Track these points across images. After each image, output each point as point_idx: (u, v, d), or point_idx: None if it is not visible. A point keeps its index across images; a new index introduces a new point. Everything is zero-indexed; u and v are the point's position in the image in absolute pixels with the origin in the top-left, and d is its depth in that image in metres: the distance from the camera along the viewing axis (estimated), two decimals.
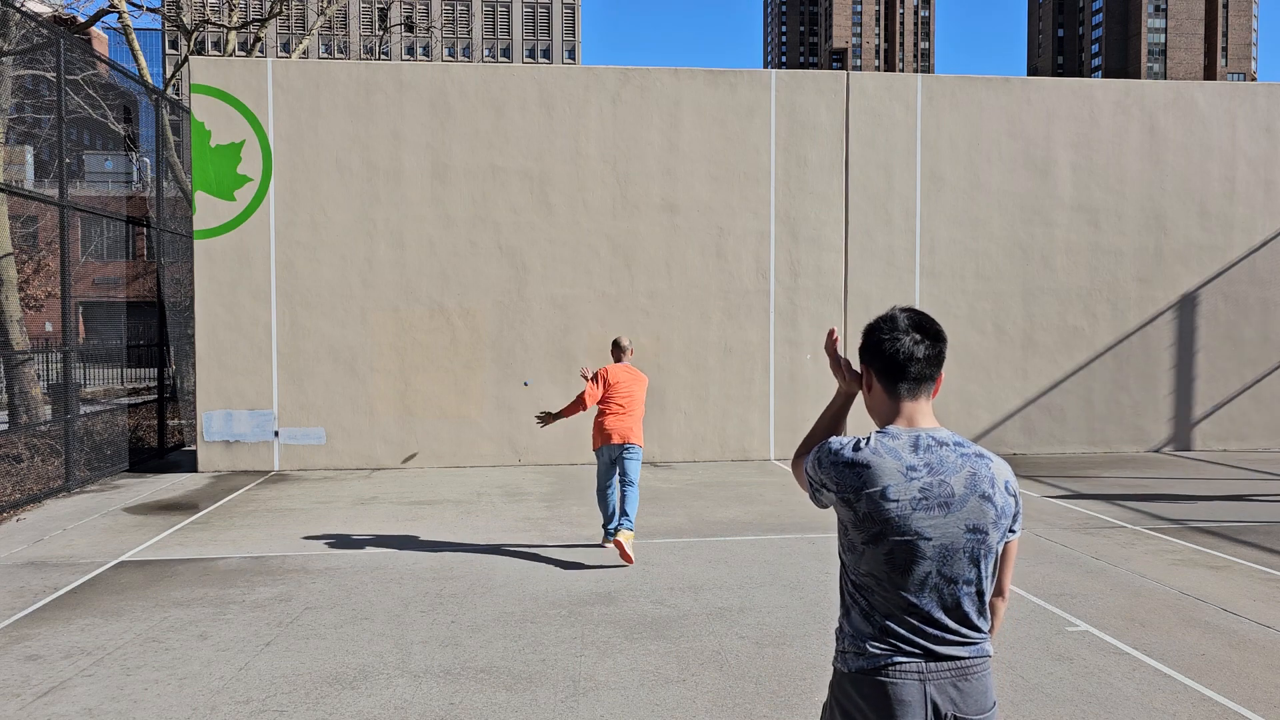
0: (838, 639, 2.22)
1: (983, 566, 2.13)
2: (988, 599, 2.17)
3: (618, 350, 7.74)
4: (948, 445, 2.16)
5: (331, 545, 7.86)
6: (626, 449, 7.39)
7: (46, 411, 12.74)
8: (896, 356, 2.20)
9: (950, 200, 12.92)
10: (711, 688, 4.76)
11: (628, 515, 7.30)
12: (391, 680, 4.87)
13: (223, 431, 11.72)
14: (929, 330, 2.25)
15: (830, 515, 8.92)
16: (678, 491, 10.32)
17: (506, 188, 12.18)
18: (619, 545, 7.03)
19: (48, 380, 15.62)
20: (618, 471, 7.45)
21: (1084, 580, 6.71)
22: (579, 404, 7.43)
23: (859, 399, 2.30)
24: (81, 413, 11.64)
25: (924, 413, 2.22)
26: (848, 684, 2.15)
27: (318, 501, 9.81)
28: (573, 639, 5.48)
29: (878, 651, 2.11)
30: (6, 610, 6.08)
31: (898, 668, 2.09)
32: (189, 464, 12.16)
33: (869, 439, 2.18)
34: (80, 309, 31.26)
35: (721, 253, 12.52)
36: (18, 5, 12.83)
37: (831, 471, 2.16)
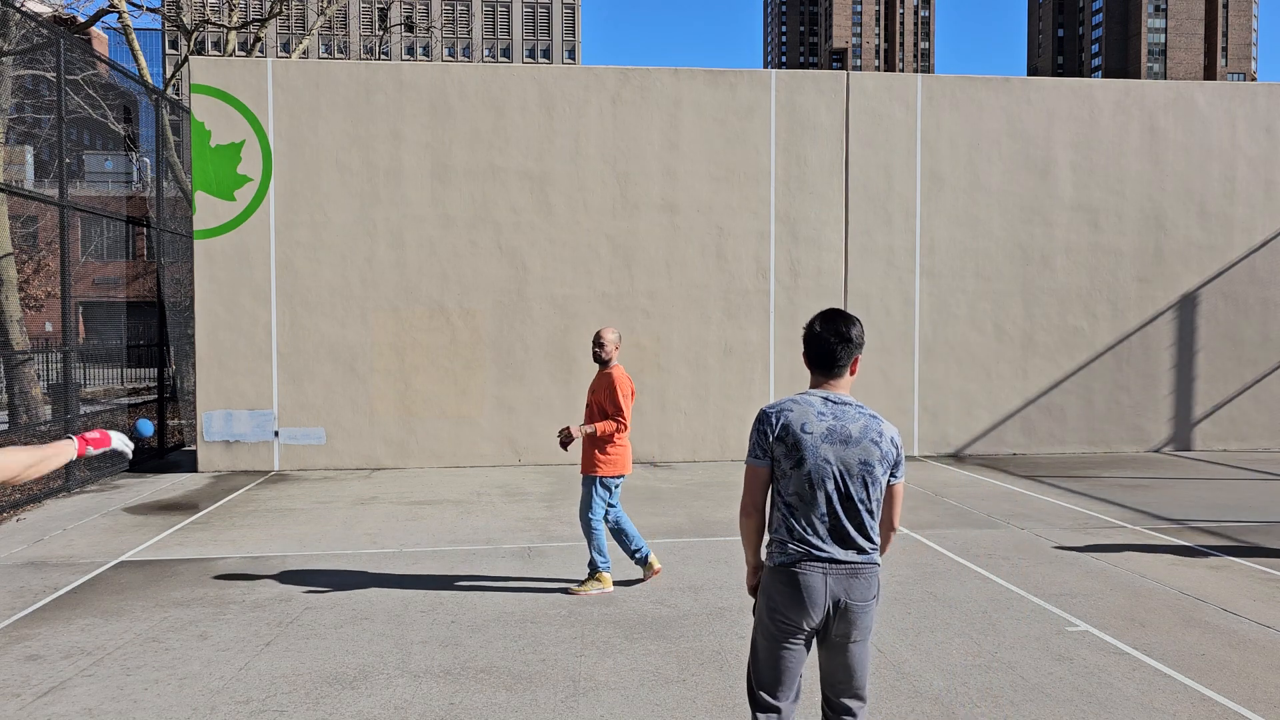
0: (768, 545, 3.08)
1: (871, 491, 2.99)
2: (876, 518, 3.02)
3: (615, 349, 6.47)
4: (850, 405, 3.05)
5: (331, 545, 7.86)
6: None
7: (46, 411, 12.74)
8: (821, 350, 3.08)
9: (950, 200, 12.92)
10: (711, 688, 4.76)
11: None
12: (391, 680, 4.87)
13: (223, 431, 11.72)
14: (841, 333, 3.05)
15: None
16: (678, 491, 10.32)
17: (506, 188, 12.18)
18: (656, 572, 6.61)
19: (48, 380, 15.62)
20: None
21: (1084, 580, 6.71)
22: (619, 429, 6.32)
23: (858, 385, 2.89)
24: (81, 413, 11.63)
25: (840, 386, 3.10)
26: (772, 575, 3.02)
27: (318, 501, 9.81)
28: (573, 639, 5.48)
29: (795, 552, 2.97)
30: (6, 610, 6.08)
31: (808, 563, 2.95)
32: (189, 464, 12.16)
33: (791, 397, 3.08)
34: (80, 309, 31.25)
35: (721, 253, 12.52)
36: (18, 5, 12.83)
37: (770, 420, 3.02)
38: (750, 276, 12.58)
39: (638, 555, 6.53)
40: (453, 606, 6.11)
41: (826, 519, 2.95)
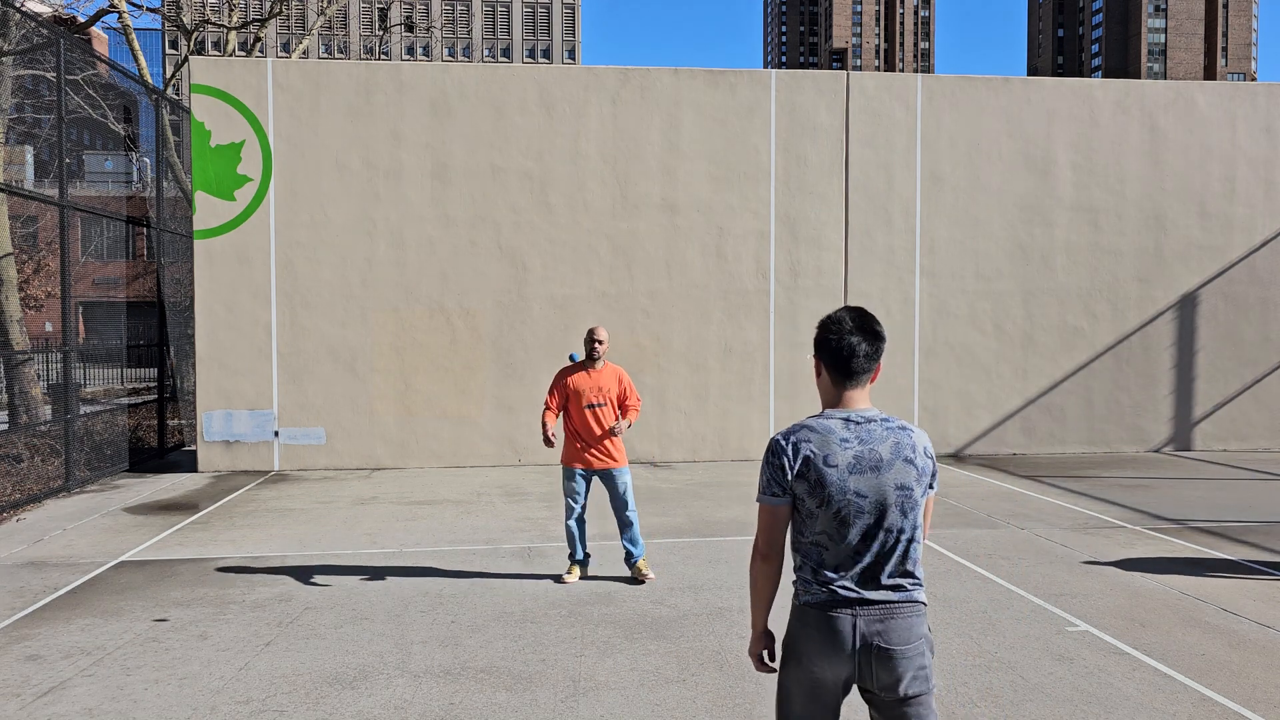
0: (795, 581, 2.67)
1: (910, 516, 2.58)
2: (919, 548, 2.62)
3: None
4: (874, 421, 2.62)
5: (331, 545, 7.86)
6: None
7: (46, 411, 12.74)
8: (842, 353, 2.63)
9: (950, 200, 12.92)
10: (711, 688, 4.76)
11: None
12: (391, 680, 4.87)
13: (223, 431, 11.72)
14: (870, 331, 2.65)
15: None
16: (678, 491, 10.32)
17: (506, 188, 12.18)
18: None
19: (48, 380, 15.62)
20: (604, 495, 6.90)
21: (1084, 580, 6.71)
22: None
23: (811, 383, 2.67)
24: (81, 413, 11.64)
25: (861, 398, 2.66)
26: (799, 615, 2.63)
27: (318, 501, 9.81)
28: (573, 639, 5.48)
29: (821, 592, 2.58)
30: (6, 610, 6.08)
31: (835, 607, 2.56)
32: (189, 464, 12.16)
33: (805, 422, 2.64)
34: (80, 309, 31.25)
35: (721, 253, 12.52)
36: (18, 5, 12.83)
37: (787, 453, 2.59)
38: (750, 276, 12.58)
39: (583, 555, 6.79)
40: (453, 606, 6.11)
41: (860, 557, 2.56)
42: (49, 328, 30.93)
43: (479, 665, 5.07)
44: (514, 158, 12.19)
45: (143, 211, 20.68)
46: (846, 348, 2.62)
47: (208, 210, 11.74)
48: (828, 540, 2.57)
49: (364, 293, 11.98)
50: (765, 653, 2.76)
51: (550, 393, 6.61)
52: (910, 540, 2.59)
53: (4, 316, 12.22)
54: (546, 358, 12.22)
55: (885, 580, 2.57)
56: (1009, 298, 13.05)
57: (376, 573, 6.96)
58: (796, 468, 2.57)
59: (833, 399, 2.67)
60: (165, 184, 15.34)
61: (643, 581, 6.64)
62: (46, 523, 8.77)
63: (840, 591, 2.56)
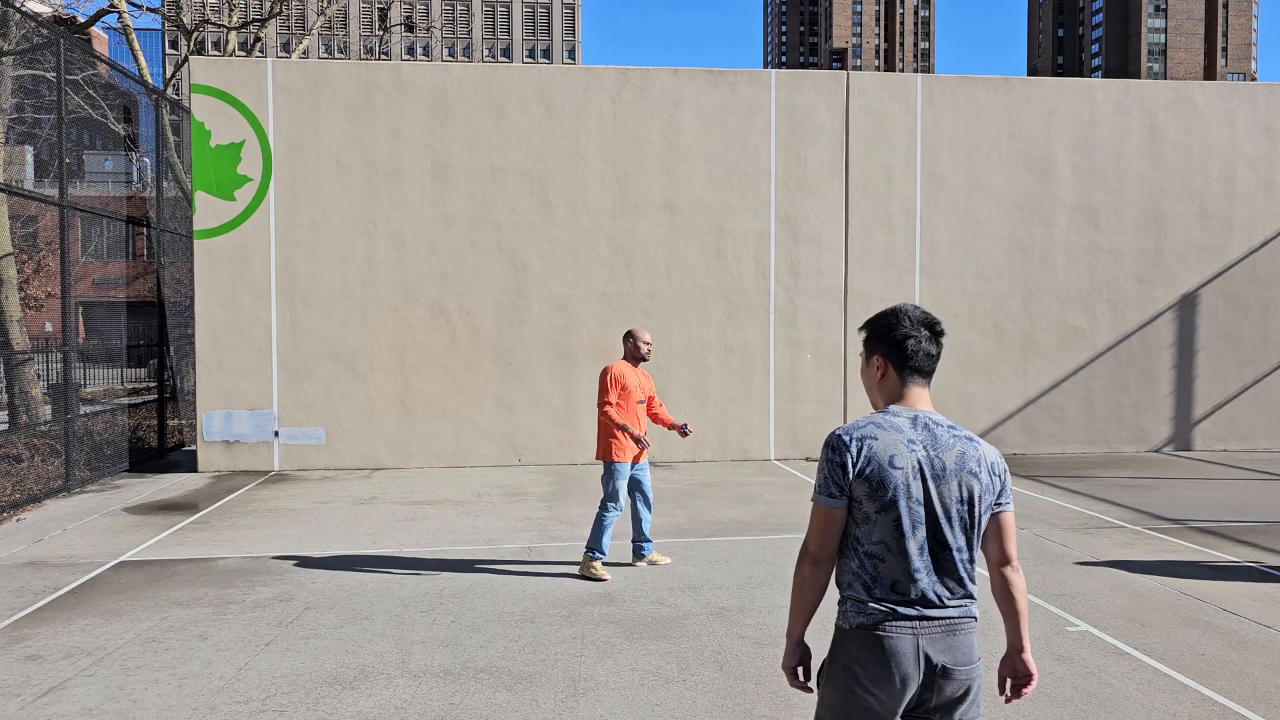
0: (840, 603, 2.47)
1: (971, 535, 2.42)
2: (974, 566, 2.43)
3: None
4: (942, 426, 2.46)
5: (331, 545, 7.86)
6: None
7: (46, 411, 12.74)
8: (916, 351, 2.50)
9: (950, 200, 12.92)
10: (711, 688, 4.76)
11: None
12: (391, 680, 4.87)
13: (223, 431, 11.72)
14: (937, 329, 2.55)
15: None
16: (678, 491, 10.32)
17: (506, 188, 12.19)
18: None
19: (48, 380, 15.63)
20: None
21: (1084, 580, 6.71)
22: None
23: (858, 385, 2.58)
24: (81, 413, 11.64)
25: (925, 398, 2.53)
26: (849, 639, 2.40)
27: (318, 501, 9.81)
28: (573, 639, 5.48)
29: (877, 610, 2.37)
30: (6, 610, 6.08)
31: (894, 624, 2.36)
32: (189, 464, 12.16)
33: (872, 418, 2.47)
34: (80, 309, 31.25)
35: (721, 253, 12.52)
36: (18, 5, 12.84)
37: (850, 446, 2.40)
38: (750, 276, 12.58)
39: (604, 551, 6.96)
40: (453, 606, 6.11)
41: (917, 572, 2.36)
42: (49, 328, 30.93)
43: (479, 665, 5.07)
44: (514, 158, 12.19)
45: (143, 211, 20.68)
46: (912, 339, 2.50)
47: (208, 210, 11.74)
48: (885, 551, 2.37)
49: (364, 293, 11.98)
50: (800, 669, 2.54)
51: (615, 391, 6.83)
52: (969, 560, 2.41)
53: (4, 316, 12.22)
54: (546, 358, 12.23)
55: (946, 595, 2.39)
56: (1009, 298, 13.05)
57: (376, 573, 6.96)
58: (859, 466, 2.38)
59: (895, 395, 2.52)
60: (165, 184, 15.34)
61: (656, 564, 7.14)
62: (46, 523, 8.77)
63: (900, 608, 2.36)
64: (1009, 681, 2.57)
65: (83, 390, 17.74)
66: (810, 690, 2.56)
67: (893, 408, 2.50)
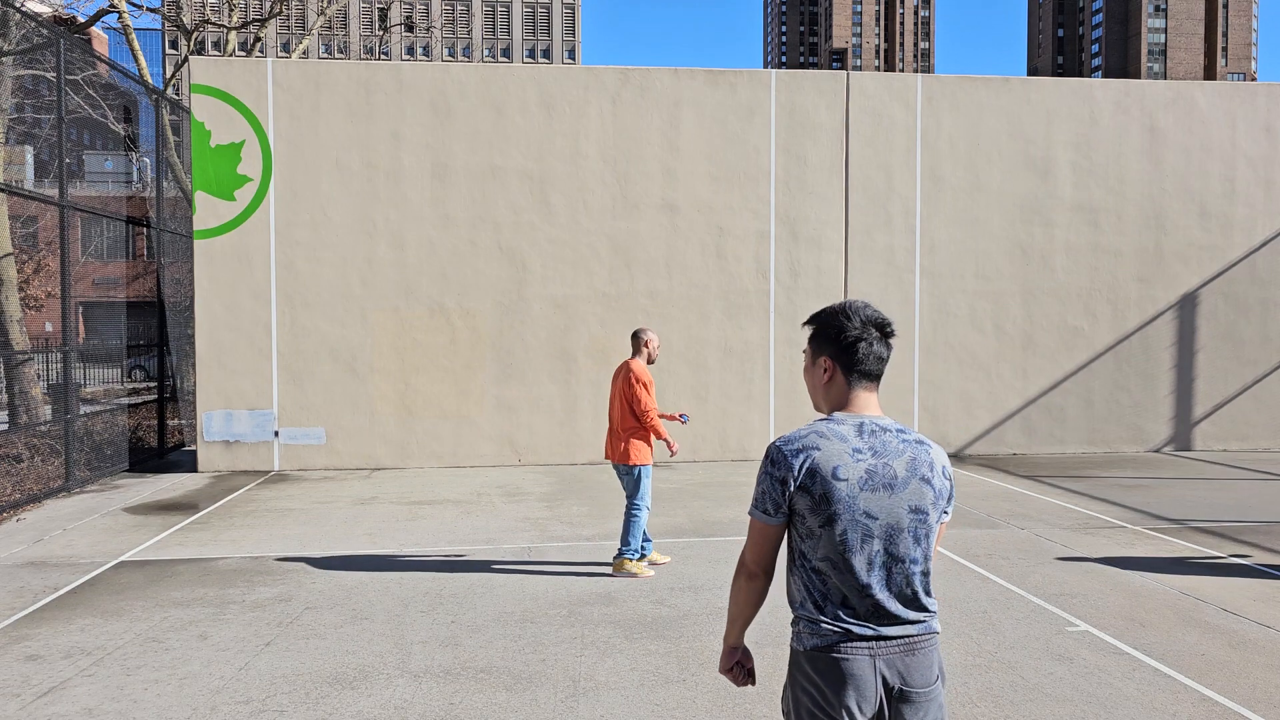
0: (794, 623, 2.33)
1: (925, 545, 2.28)
2: (931, 577, 2.31)
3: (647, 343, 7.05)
4: (890, 431, 2.30)
5: (332, 545, 7.86)
6: (613, 467, 6.99)
7: (46, 411, 12.74)
8: (867, 355, 2.34)
9: (950, 200, 12.92)
10: (711, 688, 4.76)
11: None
12: (391, 680, 4.87)
13: (223, 431, 11.72)
14: (887, 329, 2.37)
15: None
16: (678, 491, 10.32)
17: (506, 188, 12.18)
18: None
19: (48, 380, 15.62)
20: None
21: (1084, 580, 6.71)
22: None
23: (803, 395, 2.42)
24: (81, 413, 11.64)
25: (873, 402, 2.37)
26: (804, 661, 2.28)
27: (318, 501, 9.81)
28: (573, 639, 5.48)
29: (831, 630, 2.24)
30: (6, 610, 6.08)
31: (850, 645, 2.23)
32: (189, 464, 12.16)
33: (814, 427, 2.30)
34: (80, 309, 31.25)
35: (721, 253, 12.52)
36: (18, 5, 12.84)
37: (790, 461, 2.24)
38: (750, 276, 12.58)
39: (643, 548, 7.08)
40: (453, 606, 6.11)
41: (869, 589, 2.24)
42: (49, 328, 30.92)
43: (479, 665, 5.07)
44: (514, 158, 12.19)
45: (143, 211, 20.68)
46: (863, 342, 2.34)
47: (208, 210, 11.74)
48: (830, 568, 2.25)
49: (364, 293, 11.98)
50: (738, 666, 2.47)
51: (650, 394, 6.83)
52: (923, 572, 2.29)
53: (4, 316, 12.22)
54: (546, 358, 12.23)
55: (902, 611, 2.26)
56: (1009, 298, 13.05)
57: (376, 573, 6.96)
58: (799, 479, 2.23)
59: (841, 401, 2.36)
60: (165, 184, 15.34)
61: (656, 564, 7.19)
62: (46, 523, 8.77)
63: (854, 628, 2.24)
64: None
65: (83, 390, 17.74)
66: (754, 681, 2.50)
67: (837, 414, 2.34)
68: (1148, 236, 13.25)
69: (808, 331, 2.44)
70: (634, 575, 6.79)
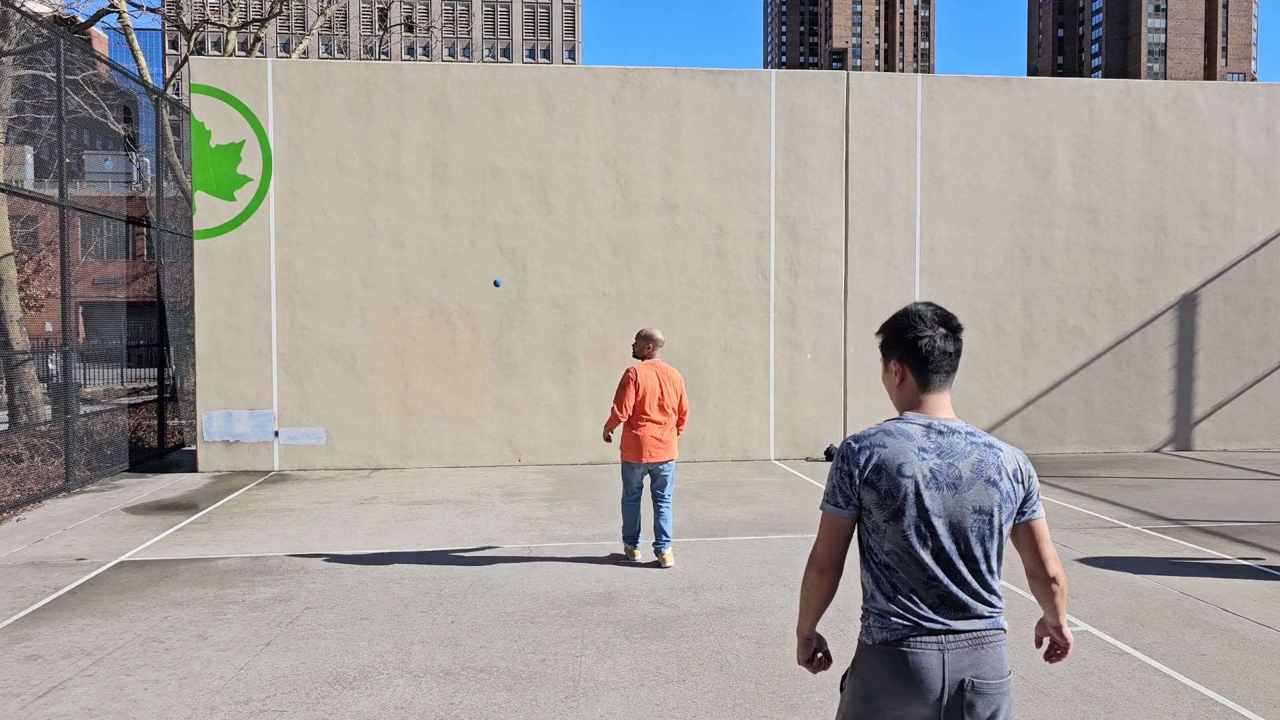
0: (863, 617, 2.40)
1: (989, 545, 2.33)
2: (998, 576, 2.36)
3: (649, 344, 7.09)
4: (958, 433, 2.36)
5: (331, 545, 7.86)
6: (666, 464, 7.08)
7: (46, 411, 12.74)
8: (931, 351, 2.39)
9: (950, 200, 12.92)
10: (711, 688, 4.76)
11: (668, 534, 7.12)
12: (391, 680, 4.87)
13: (223, 431, 11.72)
14: (953, 324, 2.43)
15: None
16: (678, 491, 10.32)
17: (506, 188, 12.19)
18: (662, 561, 7.08)
19: (48, 380, 15.62)
20: (651, 485, 7.22)
21: (1084, 580, 6.71)
22: (613, 419, 7.07)
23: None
24: (81, 413, 11.64)
25: (944, 404, 2.42)
26: (872, 655, 2.33)
27: (318, 501, 9.81)
28: (573, 639, 5.48)
29: (900, 624, 2.30)
30: (6, 610, 6.08)
31: (919, 639, 2.28)
32: (189, 464, 12.16)
33: (883, 426, 2.39)
34: (80, 309, 31.25)
35: (721, 253, 12.52)
36: (18, 5, 12.84)
37: (860, 456, 2.34)
38: (750, 276, 12.58)
39: (636, 540, 7.35)
40: (453, 606, 6.11)
41: (935, 584, 2.30)
42: (49, 328, 30.92)
43: (479, 665, 5.07)
44: (514, 158, 12.19)
45: (143, 211, 20.68)
46: (935, 347, 2.39)
47: (208, 210, 11.74)
48: (897, 562, 2.32)
49: (364, 293, 11.98)
50: (817, 654, 2.52)
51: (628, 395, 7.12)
52: (990, 570, 2.33)
53: (4, 316, 12.22)
54: (546, 358, 12.23)
55: (973, 605, 2.31)
56: (1009, 298, 13.05)
57: (376, 573, 6.96)
58: (865, 474, 2.32)
59: (912, 403, 2.43)
60: (165, 184, 15.34)
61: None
62: (46, 523, 8.77)
63: (923, 622, 2.28)
64: (1045, 644, 2.63)
65: (83, 390, 17.74)
66: (831, 663, 2.54)
67: (908, 414, 2.42)
68: (1148, 236, 13.25)
69: (879, 340, 2.51)
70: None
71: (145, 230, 15.92)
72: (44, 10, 19.81)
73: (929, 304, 2.45)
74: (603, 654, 5.24)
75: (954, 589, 2.29)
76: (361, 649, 5.32)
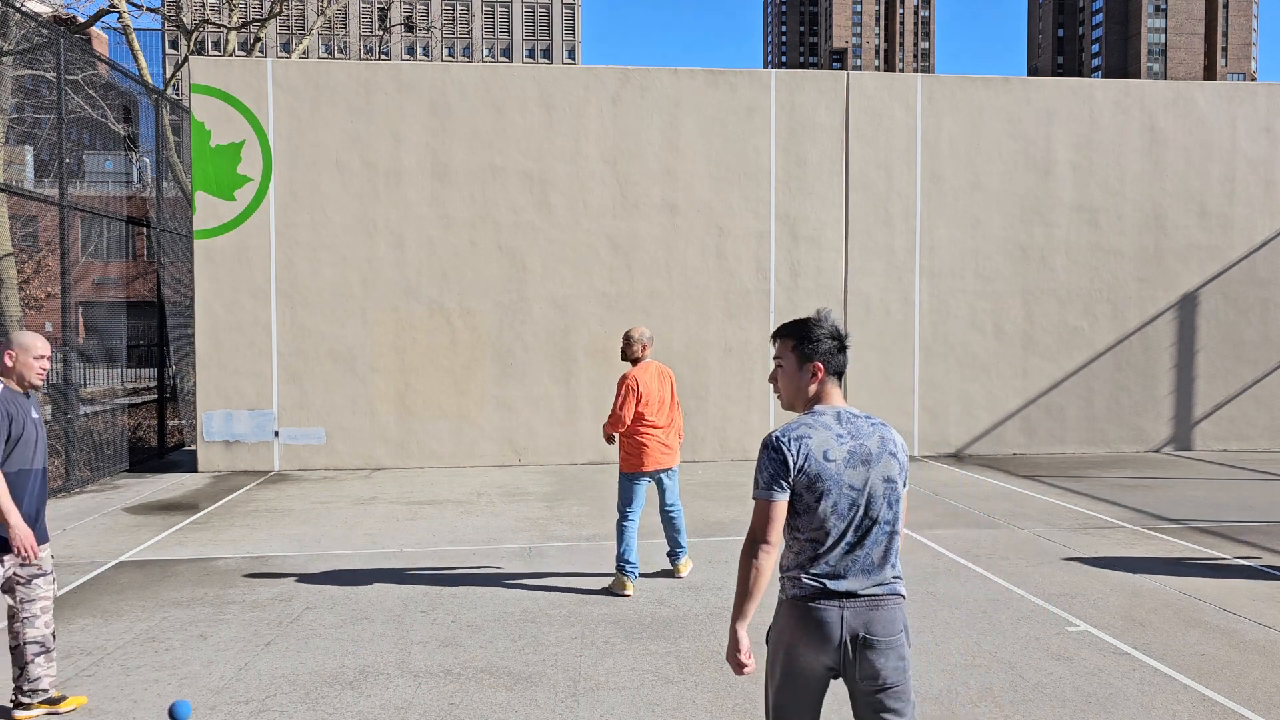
0: (781, 580, 2.80)
1: (896, 509, 2.74)
2: (899, 540, 2.77)
3: (641, 346, 6.54)
4: (860, 417, 2.79)
5: (331, 545, 7.86)
6: (668, 472, 6.59)
7: (46, 411, 12.74)
8: (835, 353, 2.83)
9: (950, 200, 12.92)
10: (711, 688, 4.76)
11: (684, 545, 6.78)
12: (391, 680, 4.87)
13: (223, 431, 11.72)
14: (841, 333, 2.89)
15: None
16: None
17: (506, 188, 12.19)
18: (678, 571, 6.76)
19: (48, 380, 15.61)
20: (660, 501, 6.70)
21: (1084, 580, 6.71)
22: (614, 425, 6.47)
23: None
24: (81, 413, 11.64)
25: (840, 395, 2.87)
26: (788, 610, 2.74)
27: (318, 501, 9.81)
28: (573, 639, 5.48)
29: (812, 586, 2.70)
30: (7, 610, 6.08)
31: (824, 600, 2.68)
32: (189, 464, 12.16)
33: (802, 420, 2.77)
34: (80, 309, 31.24)
35: (721, 253, 12.52)
36: (18, 5, 12.84)
37: (792, 447, 2.69)
38: (750, 276, 12.58)
39: (633, 562, 6.45)
40: (453, 606, 6.11)
41: (848, 550, 2.69)
42: (49, 328, 30.90)
43: (479, 665, 5.07)
44: (514, 158, 12.19)
45: (143, 211, 20.68)
46: (837, 347, 2.83)
47: (208, 210, 11.74)
48: (823, 535, 2.68)
49: (364, 293, 11.98)
50: (743, 654, 2.77)
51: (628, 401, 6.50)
52: (893, 533, 2.73)
53: (4, 316, 12.22)
54: (546, 358, 12.23)
55: (872, 574, 2.70)
56: (1009, 298, 13.05)
57: (376, 573, 6.96)
58: (798, 463, 2.67)
59: (818, 396, 2.83)
60: (165, 184, 15.34)
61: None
62: (46, 523, 8.76)
63: (830, 585, 2.68)
64: None
65: (83, 390, 17.73)
66: (750, 670, 2.78)
67: (818, 407, 2.80)
68: (1148, 237, 13.25)
69: (790, 344, 2.86)
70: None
71: (145, 230, 15.93)
72: (44, 10, 19.81)
73: (828, 313, 2.90)
74: (603, 654, 5.24)
75: (865, 552, 2.69)
76: (361, 649, 5.32)
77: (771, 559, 2.71)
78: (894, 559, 2.74)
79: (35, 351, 4.43)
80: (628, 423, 6.39)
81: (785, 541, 2.76)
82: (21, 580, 4.40)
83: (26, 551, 4.24)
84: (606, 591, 6.39)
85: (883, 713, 2.69)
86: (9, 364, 4.40)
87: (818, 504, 2.67)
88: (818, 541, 2.69)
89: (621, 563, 6.39)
